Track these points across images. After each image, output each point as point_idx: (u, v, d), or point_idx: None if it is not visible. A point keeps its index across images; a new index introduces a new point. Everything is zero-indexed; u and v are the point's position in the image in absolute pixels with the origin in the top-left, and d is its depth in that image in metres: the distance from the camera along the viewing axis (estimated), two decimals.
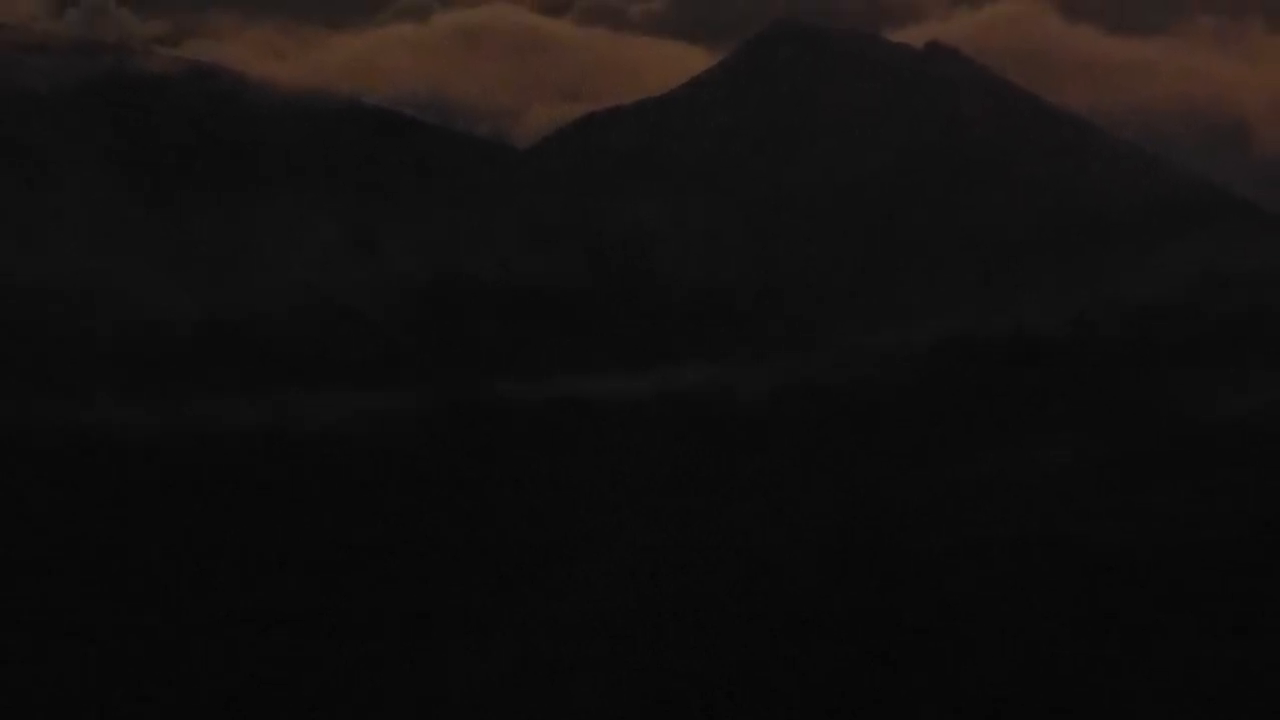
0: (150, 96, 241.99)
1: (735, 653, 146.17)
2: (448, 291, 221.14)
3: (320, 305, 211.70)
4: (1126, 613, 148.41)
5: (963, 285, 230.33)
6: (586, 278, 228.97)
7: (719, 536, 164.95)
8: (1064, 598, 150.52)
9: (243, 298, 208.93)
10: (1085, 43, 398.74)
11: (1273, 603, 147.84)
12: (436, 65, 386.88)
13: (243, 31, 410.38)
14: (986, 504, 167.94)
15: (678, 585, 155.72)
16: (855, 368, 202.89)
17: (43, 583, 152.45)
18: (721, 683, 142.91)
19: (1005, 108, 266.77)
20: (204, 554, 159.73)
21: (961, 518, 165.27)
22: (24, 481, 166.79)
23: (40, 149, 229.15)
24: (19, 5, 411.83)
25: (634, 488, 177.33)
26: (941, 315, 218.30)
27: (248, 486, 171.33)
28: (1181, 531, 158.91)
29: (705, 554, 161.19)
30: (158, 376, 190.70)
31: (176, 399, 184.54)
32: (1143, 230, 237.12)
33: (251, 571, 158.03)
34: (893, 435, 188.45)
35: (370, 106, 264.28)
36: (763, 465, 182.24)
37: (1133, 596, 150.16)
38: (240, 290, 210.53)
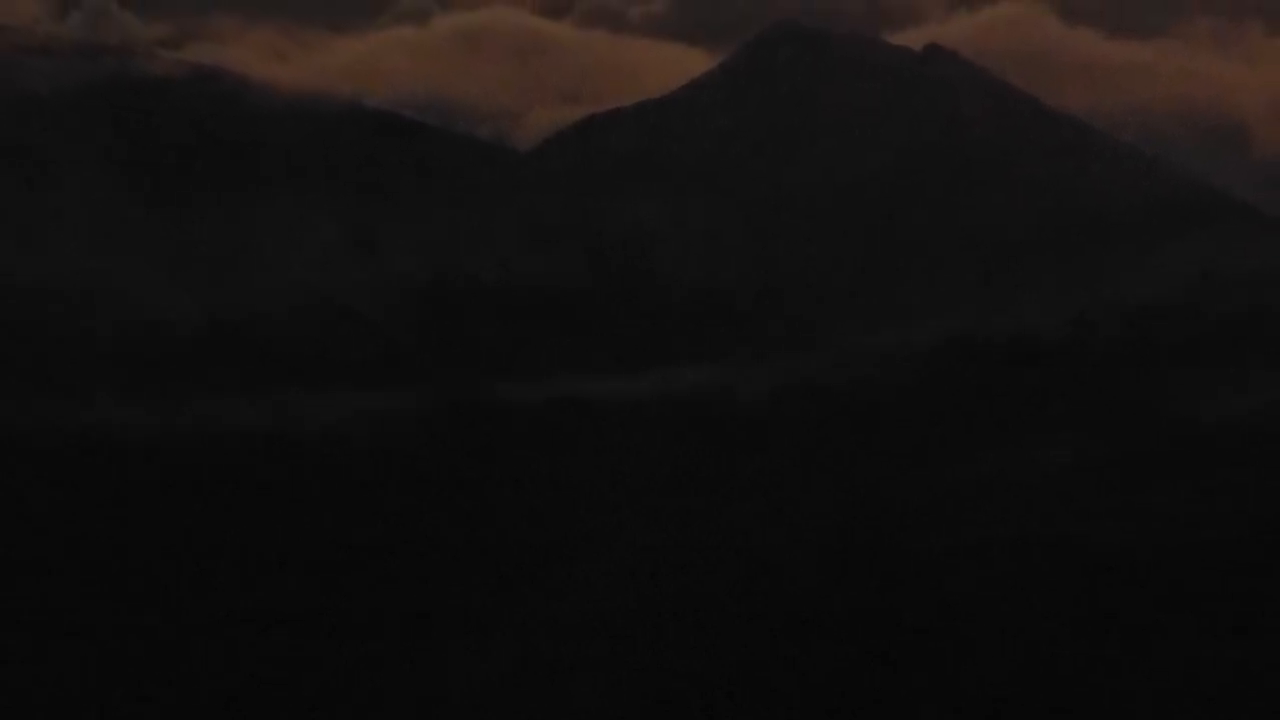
0: (152, 98, 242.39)
1: (735, 653, 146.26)
2: (448, 292, 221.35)
3: (321, 306, 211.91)
4: (1126, 613, 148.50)
5: (963, 286, 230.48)
6: (587, 278, 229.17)
7: (719, 536, 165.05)
8: (1064, 598, 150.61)
9: (243, 298, 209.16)
10: (1084, 45, 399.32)
11: (1272, 603, 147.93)
12: (437, 68, 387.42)
13: (244, 34, 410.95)
14: (986, 504, 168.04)
15: (678, 585, 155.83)
16: (855, 368, 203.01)
17: (44, 583, 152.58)
18: (722, 683, 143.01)
19: (1005, 109, 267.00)
20: (204, 554, 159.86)
21: (961, 518, 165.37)
22: (24, 481, 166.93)
23: (42, 150, 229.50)
24: (21, 7, 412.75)
25: (634, 488, 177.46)
26: (941, 315, 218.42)
27: (248, 486, 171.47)
28: (1181, 531, 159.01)
29: (705, 554, 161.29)
30: (158, 377, 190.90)
31: (177, 399, 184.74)
32: (1142, 231, 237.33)
33: (252, 571, 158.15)
34: (893, 435, 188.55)
35: (371, 109, 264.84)
36: (763, 465, 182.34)
37: (1133, 596, 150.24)
38: (241, 291, 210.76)
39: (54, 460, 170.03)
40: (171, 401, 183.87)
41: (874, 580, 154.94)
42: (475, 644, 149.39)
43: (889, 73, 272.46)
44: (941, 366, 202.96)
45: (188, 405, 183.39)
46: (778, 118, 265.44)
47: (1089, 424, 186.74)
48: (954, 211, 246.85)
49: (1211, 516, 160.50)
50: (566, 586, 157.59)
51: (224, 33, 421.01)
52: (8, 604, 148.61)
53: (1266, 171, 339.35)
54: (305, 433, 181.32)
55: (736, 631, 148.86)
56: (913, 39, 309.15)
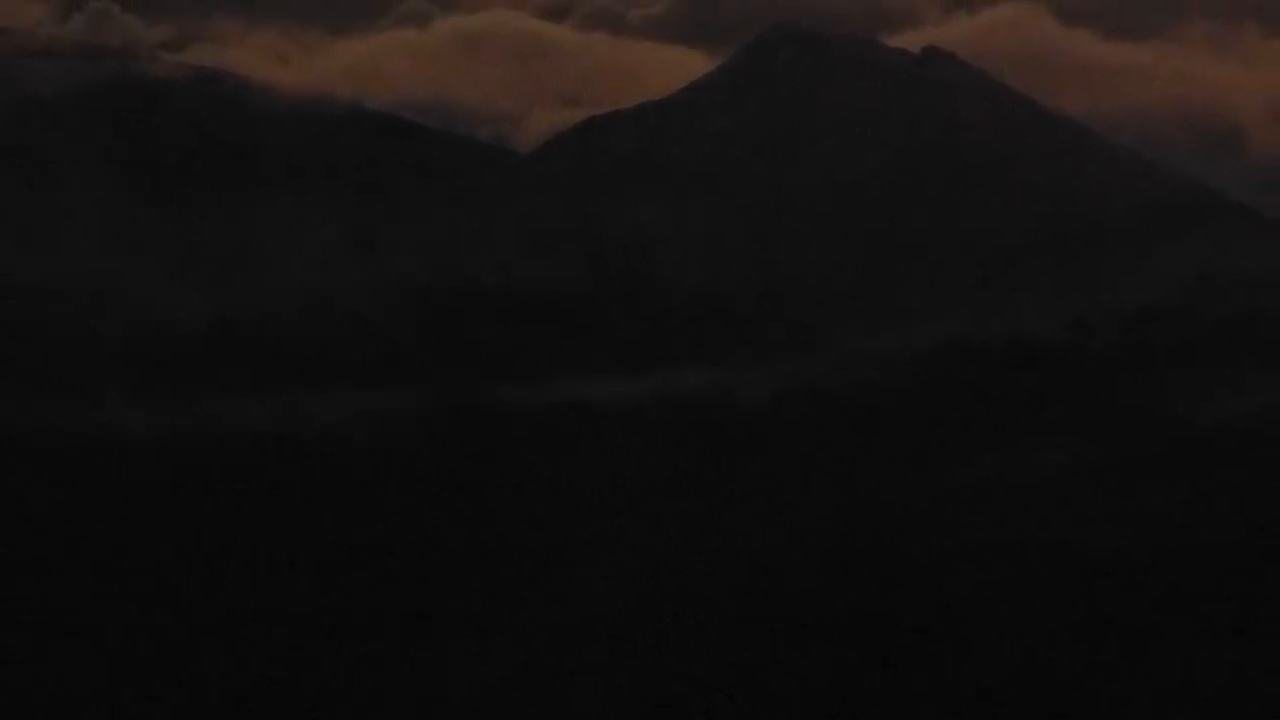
0: (154, 100, 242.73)
1: (735, 655, 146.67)
2: (449, 294, 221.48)
3: (322, 307, 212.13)
4: (1124, 615, 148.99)
5: (961, 289, 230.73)
6: (587, 281, 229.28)
7: (719, 539, 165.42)
8: (1062, 600, 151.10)
9: (245, 299, 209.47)
10: (1082, 47, 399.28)
11: (1270, 605, 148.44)
12: (438, 70, 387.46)
13: (246, 37, 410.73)
14: (985, 507, 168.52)
15: (678, 588, 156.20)
16: (855, 371, 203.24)
17: (52, 582, 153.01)
18: (722, 685, 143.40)
19: (1003, 112, 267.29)
20: (210, 554, 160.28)
21: (960, 521, 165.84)
22: (33, 481, 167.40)
23: (45, 152, 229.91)
24: (24, 10, 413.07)
25: (634, 491, 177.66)
26: (940, 318, 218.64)
27: (250, 486, 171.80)
28: (1178, 534, 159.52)
29: (705, 556, 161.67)
30: (162, 377, 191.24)
31: (183, 400, 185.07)
32: (1139, 234, 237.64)
33: (253, 571, 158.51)
34: (892, 438, 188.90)
35: (372, 111, 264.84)
36: (763, 468, 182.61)
37: (1130, 599, 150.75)
38: (243, 292, 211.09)
39: (60, 460, 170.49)
40: (175, 402, 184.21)
41: (873, 582, 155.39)
42: (475, 646, 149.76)
43: (888, 74, 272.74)
44: (940, 369, 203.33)
45: (190, 405, 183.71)
46: (777, 119, 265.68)
47: (1087, 427, 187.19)
48: (953, 214, 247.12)
49: (1209, 519, 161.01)
50: (567, 589, 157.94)
51: (225, 35, 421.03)
52: (17, 603, 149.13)
53: (1263, 174, 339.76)
54: (306, 433, 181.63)
55: (736, 634, 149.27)
56: (911, 41, 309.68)
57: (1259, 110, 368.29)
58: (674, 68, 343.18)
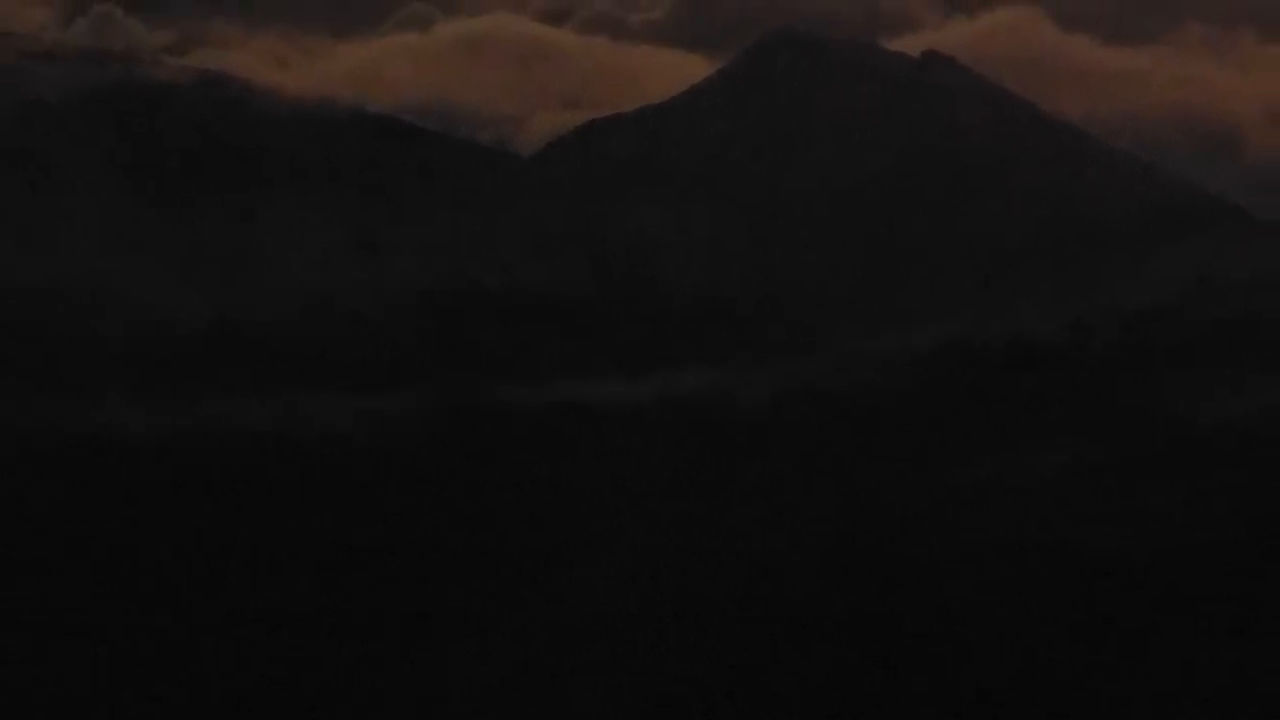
0: (157, 104, 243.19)
1: (735, 656, 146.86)
2: (450, 296, 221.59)
3: (323, 309, 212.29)
4: (1124, 616, 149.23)
5: (961, 291, 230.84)
6: (588, 283, 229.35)
7: (719, 540, 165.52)
8: (1062, 601, 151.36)
9: (247, 300, 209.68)
10: (1080, 51, 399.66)
11: (1269, 605, 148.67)
12: (439, 74, 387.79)
13: (248, 41, 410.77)
14: (985, 508, 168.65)
15: (678, 589, 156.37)
16: (855, 372, 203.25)
17: (53, 582, 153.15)
18: (722, 686, 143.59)
19: (1002, 115, 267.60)
20: (210, 554, 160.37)
21: (960, 522, 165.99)
22: (34, 481, 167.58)
23: (49, 155, 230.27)
24: (27, 14, 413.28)
25: (634, 492, 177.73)
26: (940, 320, 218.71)
27: (252, 486, 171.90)
28: (1178, 534, 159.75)
29: (705, 558, 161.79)
30: (166, 377, 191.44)
31: (184, 400, 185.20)
32: (1138, 237, 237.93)
33: (255, 571, 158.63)
34: (892, 440, 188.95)
35: (374, 114, 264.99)
36: (763, 470, 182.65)
37: (1130, 599, 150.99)
38: (245, 293, 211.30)
39: (64, 460, 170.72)
40: (175, 402, 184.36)
41: (873, 584, 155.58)
42: (475, 646, 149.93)
43: (887, 78, 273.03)
44: (940, 371, 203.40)
45: (191, 406, 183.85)
46: (777, 123, 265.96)
47: (1086, 428, 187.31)
48: (952, 217, 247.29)
49: (1208, 519, 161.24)
50: (567, 590, 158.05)
51: (228, 39, 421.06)
52: (17, 603, 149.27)
53: (1260, 177, 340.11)
54: (307, 434, 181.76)
55: (736, 635, 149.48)
56: (910, 45, 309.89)
57: (1256, 114, 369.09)
58: (674, 72, 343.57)
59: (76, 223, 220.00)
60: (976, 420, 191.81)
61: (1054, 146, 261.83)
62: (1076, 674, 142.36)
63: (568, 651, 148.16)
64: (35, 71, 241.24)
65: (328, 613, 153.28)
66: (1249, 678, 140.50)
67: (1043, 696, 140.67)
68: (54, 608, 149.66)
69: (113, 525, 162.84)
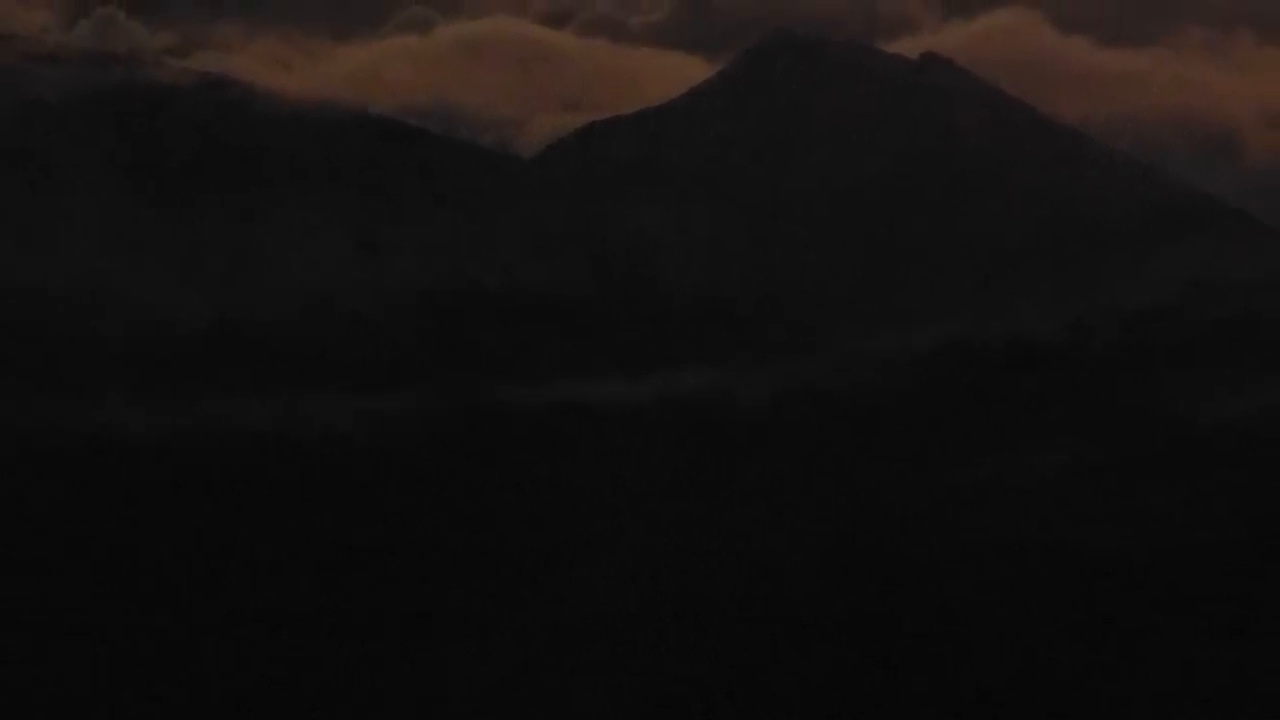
0: (160, 106, 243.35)
1: (735, 656, 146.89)
2: (450, 296, 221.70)
3: (324, 309, 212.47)
4: (1123, 615, 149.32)
5: (961, 291, 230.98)
6: (588, 283, 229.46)
7: (719, 540, 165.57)
8: (1062, 601, 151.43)
9: (249, 301, 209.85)
10: (1079, 54, 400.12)
11: (1269, 605, 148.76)
12: (440, 76, 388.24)
13: (250, 43, 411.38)
14: (985, 508, 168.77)
15: (678, 589, 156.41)
16: (855, 372, 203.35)
17: (53, 582, 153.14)
18: (722, 686, 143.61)
19: (1000, 117, 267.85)
20: (210, 554, 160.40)
21: (960, 522, 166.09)
22: (34, 481, 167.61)
23: (50, 156, 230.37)
24: (30, 17, 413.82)
25: (635, 492, 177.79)
26: (940, 321, 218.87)
27: (252, 486, 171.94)
28: (1178, 534, 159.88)
29: (706, 558, 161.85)
30: (166, 377, 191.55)
31: (184, 400, 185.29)
32: (1138, 237, 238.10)
33: (255, 571, 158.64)
34: (892, 440, 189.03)
35: (375, 116, 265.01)
36: (763, 470, 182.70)
37: (1130, 599, 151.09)
38: (246, 294, 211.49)
39: (64, 460, 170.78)
40: (175, 402, 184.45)
41: (873, 584, 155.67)
42: (475, 646, 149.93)
43: (885, 80, 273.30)
44: (940, 371, 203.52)
45: (191, 406, 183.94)
46: (776, 125, 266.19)
47: (1086, 428, 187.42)
48: (952, 218, 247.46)
49: (1208, 519, 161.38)
50: (567, 589, 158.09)
51: (230, 41, 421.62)
52: (17, 603, 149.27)
53: (1258, 179, 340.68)
54: (308, 434, 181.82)
55: (736, 635, 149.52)
56: (908, 47, 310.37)
57: (1254, 116, 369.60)
58: (674, 74, 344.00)
59: (78, 224, 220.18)
60: (976, 420, 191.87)
61: (1053, 148, 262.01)
62: (1076, 674, 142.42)
63: (568, 651, 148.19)
64: (37, 73, 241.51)
65: (328, 613, 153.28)
66: (1249, 678, 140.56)
67: (1043, 696, 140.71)
68: (54, 608, 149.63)
69: (113, 525, 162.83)
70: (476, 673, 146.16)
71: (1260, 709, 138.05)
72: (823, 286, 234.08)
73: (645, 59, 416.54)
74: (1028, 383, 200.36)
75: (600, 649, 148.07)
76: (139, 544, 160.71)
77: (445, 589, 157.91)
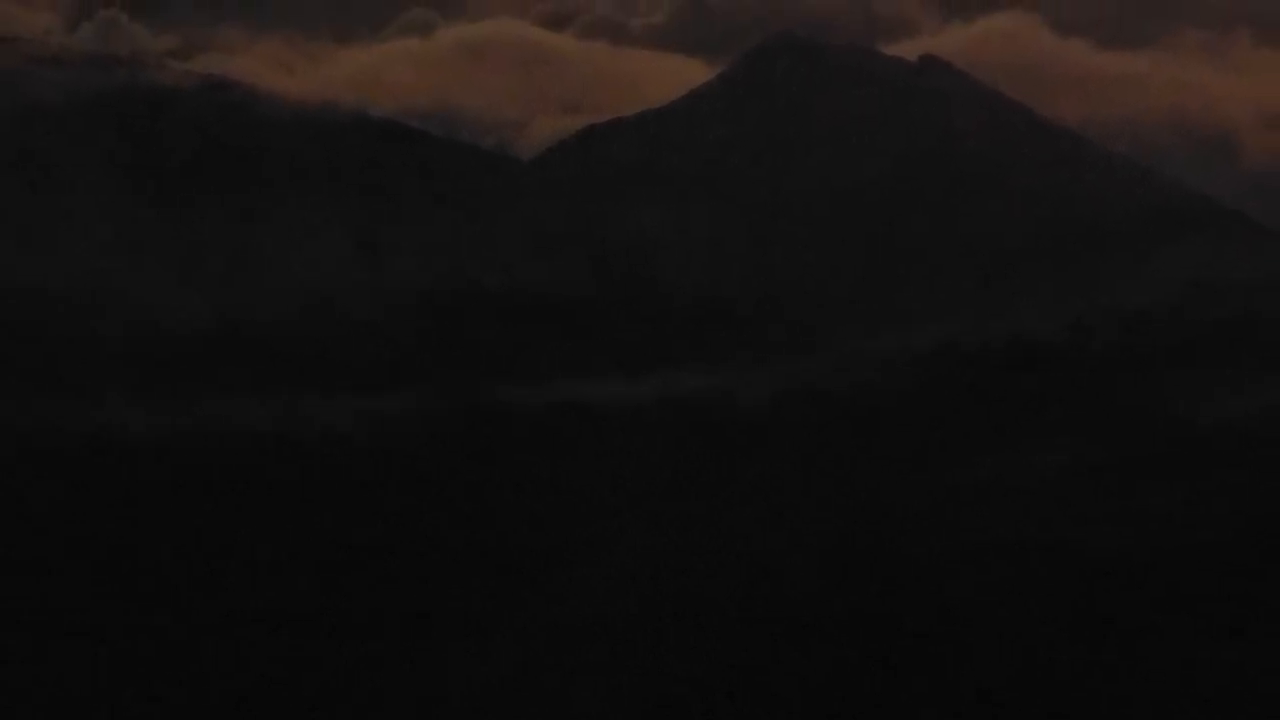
0: (162, 108, 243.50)
1: (735, 656, 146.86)
2: (451, 297, 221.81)
3: (323, 309, 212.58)
4: (1124, 616, 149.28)
5: (961, 292, 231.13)
6: (589, 284, 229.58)
7: (719, 540, 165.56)
8: (1062, 601, 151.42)
9: (250, 302, 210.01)
10: (1077, 56, 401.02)
11: (1269, 605, 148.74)
12: (441, 79, 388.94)
13: (252, 46, 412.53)
14: (985, 508, 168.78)
15: (678, 589, 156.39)
16: (855, 372, 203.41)
17: (53, 582, 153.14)
18: (722, 686, 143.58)
19: (999, 120, 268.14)
20: (210, 554, 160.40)
21: (960, 522, 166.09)
22: (34, 481, 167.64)
23: (52, 157, 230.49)
24: (33, 19, 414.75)
25: (634, 492, 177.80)
26: (940, 321, 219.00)
27: (253, 487, 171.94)
28: (1178, 534, 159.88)
29: (705, 558, 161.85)
30: (166, 378, 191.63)
31: (184, 400, 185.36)
32: (1136, 239, 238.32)
33: (255, 571, 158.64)
34: (892, 440, 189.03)
35: (376, 118, 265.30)
36: (763, 470, 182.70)
37: (1130, 599, 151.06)
38: (247, 294, 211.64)
39: (60, 460, 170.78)
40: (175, 402, 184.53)
41: (873, 584, 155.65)
42: (475, 646, 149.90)
43: (885, 83, 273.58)
44: (940, 371, 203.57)
45: (191, 406, 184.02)
46: (776, 127, 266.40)
47: (1086, 428, 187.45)
48: (951, 219, 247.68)
49: (1208, 519, 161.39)
50: (567, 590, 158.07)
51: (232, 44, 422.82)
52: (17, 603, 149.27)
53: (1256, 180, 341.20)
54: (308, 434, 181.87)
55: (736, 635, 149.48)
56: (908, 50, 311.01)
57: (1251, 117, 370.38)
58: (674, 76, 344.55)
59: (79, 226, 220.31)
60: (976, 420, 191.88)
61: (1051, 150, 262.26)
62: (1076, 673, 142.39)
63: (568, 651, 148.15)
64: (40, 76, 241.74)
65: (328, 613, 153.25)
66: (1249, 678, 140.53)
67: (1043, 696, 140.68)
68: (54, 608, 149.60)
69: (113, 525, 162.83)
70: (476, 673, 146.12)
71: (1260, 709, 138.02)
72: (823, 286, 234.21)
73: (645, 61, 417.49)
74: (1028, 383, 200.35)
75: (600, 649, 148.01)
76: (139, 544, 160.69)
77: (445, 589, 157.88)
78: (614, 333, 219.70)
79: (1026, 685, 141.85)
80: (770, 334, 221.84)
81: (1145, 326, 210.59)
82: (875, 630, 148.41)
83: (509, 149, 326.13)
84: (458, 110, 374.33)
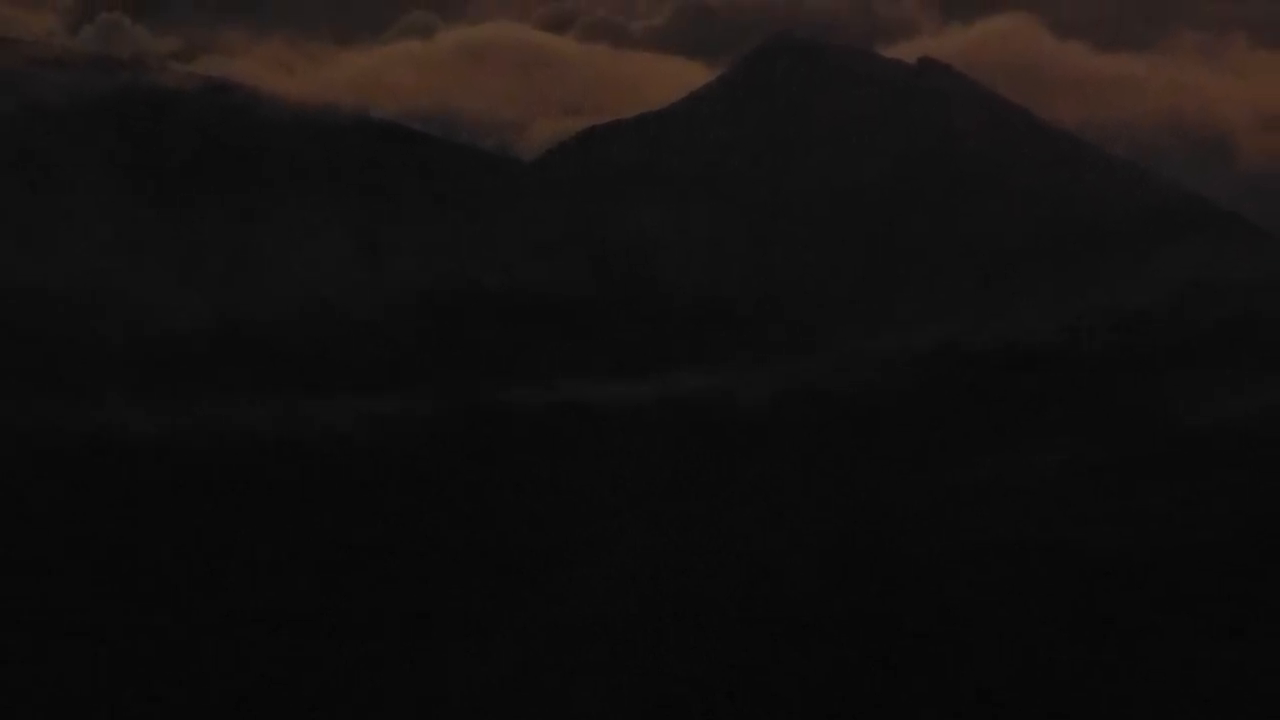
0: (164, 110, 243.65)
1: (735, 656, 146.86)
2: (451, 297, 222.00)
3: (325, 310, 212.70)
4: (1123, 616, 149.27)
5: (960, 292, 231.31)
6: (589, 284, 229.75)
7: (719, 540, 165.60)
8: (1061, 601, 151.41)
9: (250, 302, 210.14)
10: (1075, 58, 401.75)
11: (1268, 605, 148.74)
12: (442, 81, 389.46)
13: (253, 48, 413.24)
14: (984, 508, 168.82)
15: (678, 589, 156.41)
16: (854, 373, 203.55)
17: (53, 582, 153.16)
18: (722, 686, 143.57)
19: (998, 121, 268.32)
20: (210, 554, 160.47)
21: (960, 522, 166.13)
22: (34, 481, 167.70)
23: (53, 158, 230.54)
24: (35, 21, 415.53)
25: (635, 492, 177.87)
26: (940, 321, 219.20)
27: (253, 487, 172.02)
28: (1177, 534, 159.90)
29: (705, 558, 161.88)
30: (166, 378, 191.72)
31: (184, 400, 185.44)
32: (1135, 240, 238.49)
33: (255, 571, 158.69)
34: (892, 440, 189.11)
35: (377, 120, 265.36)
36: (763, 470, 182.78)
37: (1129, 600, 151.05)
38: (248, 295, 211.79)
39: (65, 460, 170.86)
40: (176, 402, 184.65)
41: (873, 584, 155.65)
42: (475, 646, 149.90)
43: (884, 84, 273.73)
44: (940, 371, 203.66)
45: (191, 406, 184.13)
46: (776, 128, 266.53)
47: (1085, 428, 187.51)
48: (951, 219, 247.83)
49: (1207, 519, 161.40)
50: (567, 590, 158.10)
51: (233, 46, 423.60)
52: (17, 603, 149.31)
53: (1253, 181, 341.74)
54: (307, 434, 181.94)
55: (736, 635, 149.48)
56: (907, 52, 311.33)
57: (1248, 119, 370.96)
58: (674, 78, 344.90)
59: (80, 227, 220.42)
60: (976, 420, 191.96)
61: (1050, 151, 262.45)
62: (1076, 674, 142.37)
63: (568, 651, 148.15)
64: (42, 77, 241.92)
65: (328, 613, 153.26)
66: (1249, 678, 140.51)
67: (1043, 696, 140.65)
68: (54, 608, 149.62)
69: (113, 525, 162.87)
70: (476, 673, 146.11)
71: (1260, 709, 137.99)
72: (823, 286, 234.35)
73: (646, 64, 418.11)
74: (1027, 383, 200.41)
75: (600, 649, 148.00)
76: (139, 544, 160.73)
77: (445, 589, 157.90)
78: (614, 333, 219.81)
79: (1026, 685, 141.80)
80: (770, 334, 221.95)
81: (1144, 327, 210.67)
82: (875, 630, 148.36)
83: (509, 150, 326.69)
84: (458, 112, 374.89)
